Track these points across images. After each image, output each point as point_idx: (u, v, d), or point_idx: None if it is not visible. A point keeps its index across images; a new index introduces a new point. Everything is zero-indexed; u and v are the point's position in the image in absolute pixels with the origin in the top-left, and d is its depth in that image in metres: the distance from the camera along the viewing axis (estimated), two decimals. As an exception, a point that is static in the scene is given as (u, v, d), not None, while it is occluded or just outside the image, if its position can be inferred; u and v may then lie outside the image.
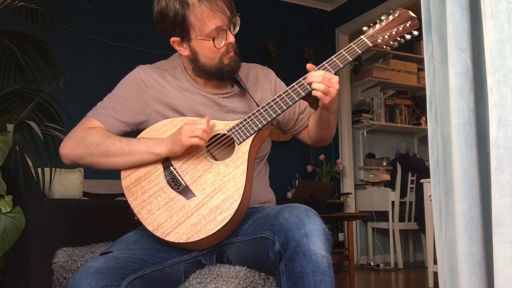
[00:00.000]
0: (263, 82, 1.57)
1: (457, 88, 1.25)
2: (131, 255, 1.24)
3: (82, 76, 3.84)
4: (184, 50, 1.43)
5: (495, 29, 1.12)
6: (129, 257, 1.22)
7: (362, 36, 1.43)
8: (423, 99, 5.37)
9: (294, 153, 4.80)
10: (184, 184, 1.32)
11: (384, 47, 1.45)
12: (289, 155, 4.68)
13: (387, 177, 4.89)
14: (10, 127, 1.63)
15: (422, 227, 4.35)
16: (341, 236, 4.68)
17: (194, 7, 1.33)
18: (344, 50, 1.39)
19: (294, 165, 4.79)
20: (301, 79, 1.38)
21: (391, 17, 1.44)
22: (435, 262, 3.39)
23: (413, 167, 4.67)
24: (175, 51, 1.57)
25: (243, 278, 1.30)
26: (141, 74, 1.47)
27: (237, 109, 1.49)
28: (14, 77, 2.54)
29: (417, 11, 1.43)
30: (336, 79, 1.34)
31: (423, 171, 4.44)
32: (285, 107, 1.36)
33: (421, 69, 5.33)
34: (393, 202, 4.67)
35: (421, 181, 3.76)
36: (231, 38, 1.40)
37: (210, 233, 1.25)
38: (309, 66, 1.38)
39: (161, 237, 1.27)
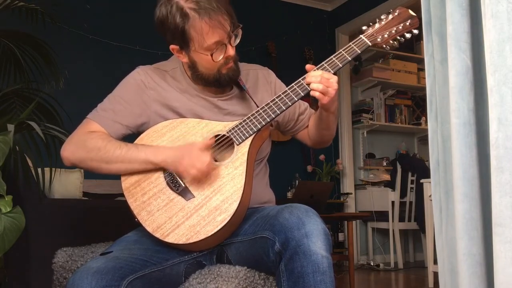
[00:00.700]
0: (263, 83, 1.57)
1: (457, 88, 1.25)
2: (131, 255, 1.24)
3: (82, 76, 3.84)
4: (183, 57, 1.43)
5: (495, 29, 1.12)
6: (129, 257, 1.22)
7: (361, 36, 1.42)
8: (423, 99, 5.37)
9: (294, 153, 4.80)
10: (183, 185, 1.32)
11: (384, 46, 1.44)
12: (289, 155, 4.68)
13: (387, 177, 4.89)
14: (10, 127, 1.63)
15: (422, 227, 4.35)
16: (341, 236, 4.68)
17: (194, 21, 1.32)
18: (343, 50, 1.39)
19: (294, 165, 4.79)
20: (300, 79, 1.38)
21: (390, 16, 1.44)
22: (435, 262, 3.39)
23: (413, 167, 4.67)
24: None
25: (243, 278, 1.30)
26: (141, 75, 1.47)
27: (236, 112, 1.49)
28: (14, 77, 2.54)
29: (417, 11, 1.43)
30: (334, 79, 1.34)
31: (423, 171, 4.44)
32: (284, 108, 1.36)
33: (421, 69, 5.33)
34: (393, 202, 4.67)
35: (421, 181, 3.75)
36: (231, 52, 1.39)
37: (210, 234, 1.25)
38: (308, 66, 1.37)
39: (160, 238, 1.27)
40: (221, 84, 1.44)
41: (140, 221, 1.30)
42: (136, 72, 1.48)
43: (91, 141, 1.36)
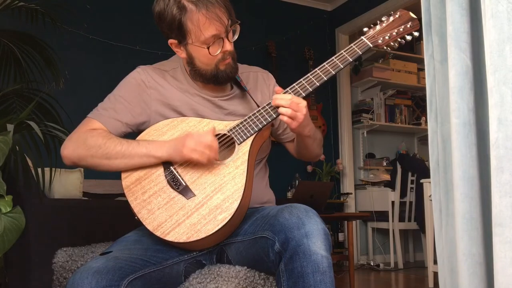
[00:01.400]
0: (262, 86, 1.58)
1: (457, 88, 1.25)
2: (131, 255, 1.24)
3: (82, 76, 3.84)
4: (181, 53, 1.43)
5: (495, 29, 1.12)
6: (129, 257, 1.22)
7: (362, 37, 1.43)
8: (423, 99, 5.37)
9: (294, 153, 4.80)
10: (184, 184, 1.32)
11: (385, 47, 1.45)
12: (289, 155, 4.66)
13: (387, 177, 4.89)
14: (10, 127, 1.63)
15: (422, 227, 4.35)
16: (341, 236, 4.68)
17: (191, 13, 1.32)
18: (344, 51, 1.39)
19: (294, 165, 4.79)
20: (301, 79, 1.37)
21: (391, 18, 1.45)
22: (435, 262, 3.39)
23: (413, 167, 4.67)
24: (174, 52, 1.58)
25: (243, 278, 1.30)
26: (141, 75, 1.47)
27: (237, 112, 1.49)
28: (14, 77, 2.54)
29: (417, 12, 1.43)
30: (303, 103, 1.33)
31: (423, 171, 4.44)
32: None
33: (421, 69, 5.33)
34: (393, 202, 4.67)
35: (421, 181, 3.76)
36: (228, 46, 1.38)
37: (210, 233, 1.25)
38: (277, 89, 1.37)
39: (161, 236, 1.27)
40: (218, 80, 1.44)
41: (141, 220, 1.30)
42: (136, 72, 1.49)
43: (91, 139, 1.36)
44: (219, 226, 1.26)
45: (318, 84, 1.37)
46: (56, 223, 1.89)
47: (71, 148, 1.37)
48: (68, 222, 1.92)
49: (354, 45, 1.41)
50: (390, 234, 4.69)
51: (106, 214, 2.05)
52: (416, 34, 1.44)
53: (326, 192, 3.47)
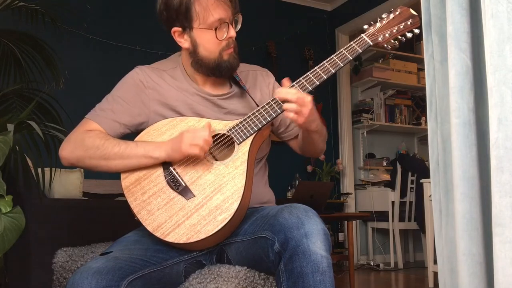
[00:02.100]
0: (262, 84, 1.57)
1: (457, 88, 1.25)
2: (131, 255, 1.24)
3: (82, 76, 3.84)
4: (184, 42, 1.43)
5: (495, 29, 1.12)
6: (129, 257, 1.22)
7: (362, 35, 1.41)
8: (423, 99, 5.37)
9: (294, 153, 4.78)
10: (183, 184, 1.32)
11: (385, 45, 1.43)
12: (289, 155, 4.65)
13: (387, 177, 4.89)
14: (10, 127, 1.63)
15: (422, 227, 4.35)
16: (341, 236, 4.68)
17: None
18: (344, 49, 1.38)
19: (294, 165, 4.79)
20: (301, 78, 1.37)
21: (392, 15, 1.43)
22: (435, 262, 3.39)
23: (413, 167, 4.67)
24: (175, 51, 1.57)
25: (243, 278, 1.30)
26: (139, 75, 1.47)
27: (237, 111, 1.48)
28: (14, 77, 2.54)
29: (417, 11, 1.43)
30: (309, 98, 1.32)
31: (423, 171, 4.44)
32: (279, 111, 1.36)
33: (421, 69, 5.33)
34: (393, 202, 4.67)
35: (421, 181, 3.75)
36: (233, 33, 1.40)
37: (210, 234, 1.25)
38: (284, 80, 1.36)
39: (161, 237, 1.27)
40: (221, 71, 1.43)
41: (140, 220, 1.30)
42: (134, 72, 1.48)
43: (89, 140, 1.36)
44: (219, 227, 1.26)
45: (318, 82, 1.37)
46: (56, 223, 1.89)
47: (69, 149, 1.37)
48: (68, 222, 1.92)
49: (354, 43, 1.39)
50: (390, 234, 4.69)
51: (106, 214, 2.05)
52: (416, 31, 1.42)
53: (326, 192, 3.47)
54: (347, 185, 5.07)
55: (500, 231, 1.10)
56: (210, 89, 1.49)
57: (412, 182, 4.66)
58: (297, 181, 4.64)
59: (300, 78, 1.38)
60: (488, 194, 1.19)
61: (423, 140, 5.52)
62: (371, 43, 1.40)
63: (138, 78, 1.46)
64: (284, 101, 1.32)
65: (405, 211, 4.66)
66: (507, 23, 1.11)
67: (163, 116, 1.44)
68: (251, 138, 1.36)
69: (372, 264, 4.73)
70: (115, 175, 1.38)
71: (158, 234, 1.27)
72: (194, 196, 1.30)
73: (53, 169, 1.99)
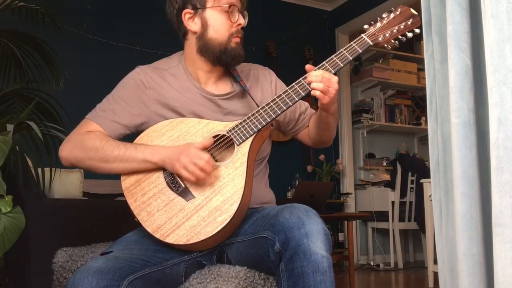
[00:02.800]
0: (264, 82, 1.57)
1: (457, 88, 1.25)
2: (132, 255, 1.24)
3: (82, 76, 3.84)
4: (193, 25, 1.45)
5: (495, 29, 1.12)
6: (129, 257, 1.22)
7: (363, 35, 1.41)
8: (423, 99, 5.37)
9: (294, 153, 4.80)
10: (183, 185, 1.32)
11: (385, 45, 1.43)
12: (289, 155, 4.68)
13: (387, 177, 4.89)
14: (10, 127, 1.63)
15: (422, 227, 4.35)
16: (341, 236, 4.68)
17: None
18: (344, 49, 1.38)
19: (294, 165, 4.79)
20: (300, 79, 1.37)
21: (392, 15, 1.42)
22: (435, 262, 3.39)
23: (413, 167, 4.67)
24: (174, 51, 1.57)
25: (243, 278, 1.30)
26: (140, 75, 1.47)
27: (237, 111, 1.48)
28: (14, 77, 2.54)
29: (417, 11, 1.42)
30: (335, 79, 1.34)
31: (423, 171, 4.44)
32: (284, 107, 1.36)
33: (421, 69, 5.33)
34: (393, 202, 4.67)
35: (421, 181, 3.75)
36: (242, 20, 1.45)
37: (210, 235, 1.25)
38: (308, 66, 1.37)
39: (161, 239, 1.27)
40: (226, 58, 1.44)
41: (140, 222, 1.30)
42: (135, 72, 1.48)
43: (89, 141, 1.36)
44: (219, 228, 1.26)
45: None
46: (56, 223, 1.89)
47: (68, 149, 1.37)
48: (68, 222, 1.92)
49: (354, 43, 1.39)
50: (390, 234, 4.69)
51: (106, 214, 2.05)
52: (417, 31, 1.41)
53: (326, 192, 3.47)
54: (347, 185, 5.07)
55: (500, 231, 1.10)
56: (212, 88, 1.49)
57: (412, 182, 4.65)
58: (297, 181, 4.64)
59: (300, 79, 1.38)
60: (488, 194, 1.19)
61: (423, 140, 5.52)
62: (371, 43, 1.39)
63: (138, 78, 1.46)
64: (311, 83, 1.34)
65: (405, 211, 4.66)
66: (507, 23, 1.11)
67: (163, 117, 1.43)
68: (250, 139, 1.36)
69: (372, 264, 4.73)
70: (115, 175, 1.38)
71: (158, 236, 1.27)
72: (194, 197, 1.30)
73: (53, 169, 1.99)
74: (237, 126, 1.37)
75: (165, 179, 1.34)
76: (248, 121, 1.36)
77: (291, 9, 5.03)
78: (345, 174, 5.09)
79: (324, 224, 1.21)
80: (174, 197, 1.31)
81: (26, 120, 1.79)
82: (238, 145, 1.35)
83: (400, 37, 1.42)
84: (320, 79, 1.32)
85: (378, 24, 1.42)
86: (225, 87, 1.51)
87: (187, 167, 1.28)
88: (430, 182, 1.60)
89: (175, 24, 1.49)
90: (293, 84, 1.38)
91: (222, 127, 1.38)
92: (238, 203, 1.27)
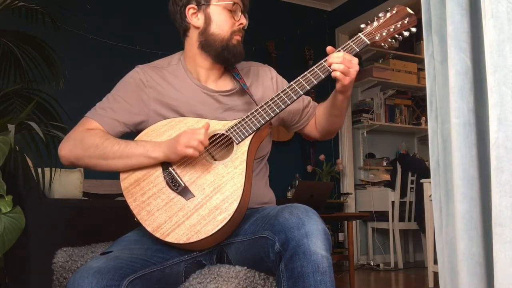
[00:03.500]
0: (264, 79, 1.57)
1: (457, 88, 1.25)
2: (132, 255, 1.24)
3: (82, 76, 3.84)
4: (197, 21, 1.46)
5: (495, 29, 1.12)
6: (129, 257, 1.22)
7: (359, 34, 1.42)
8: (423, 99, 5.37)
9: (294, 153, 4.80)
10: (183, 184, 1.32)
11: (382, 44, 1.44)
12: (289, 155, 4.68)
13: (387, 177, 4.89)
14: (11, 127, 1.63)
15: (422, 227, 4.35)
16: (341, 236, 4.68)
17: None
18: (342, 48, 1.39)
19: (294, 165, 4.79)
20: (322, 61, 1.37)
21: (388, 14, 1.44)
22: (435, 262, 3.39)
23: (413, 167, 4.67)
24: (174, 51, 1.58)
25: (243, 278, 1.30)
26: (139, 74, 1.47)
27: (237, 107, 1.48)
28: (14, 77, 2.54)
29: (417, 11, 1.43)
30: (356, 60, 1.35)
31: (423, 171, 4.44)
32: (283, 106, 1.36)
33: (421, 69, 5.33)
34: (393, 202, 4.67)
35: (421, 181, 3.75)
36: (244, 20, 1.47)
37: (210, 234, 1.25)
38: (329, 48, 1.38)
39: (161, 238, 1.27)
40: (225, 55, 1.45)
41: (140, 221, 1.30)
42: (134, 71, 1.49)
43: (88, 139, 1.36)
44: (219, 227, 1.26)
45: (316, 82, 1.37)
46: (56, 223, 1.89)
47: (68, 148, 1.37)
48: (68, 222, 1.92)
49: (351, 42, 1.40)
50: (390, 234, 4.69)
51: (106, 214, 2.05)
52: (413, 29, 1.43)
53: (326, 192, 3.47)
54: (347, 185, 5.07)
55: (500, 231, 1.10)
56: (213, 85, 1.49)
57: (412, 182, 4.65)
58: (297, 181, 4.64)
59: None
60: (488, 194, 1.18)
61: (423, 140, 5.52)
62: (368, 42, 1.41)
63: (138, 77, 1.46)
64: (332, 64, 1.34)
65: (405, 211, 4.66)
66: (507, 23, 1.11)
67: (162, 116, 1.44)
68: (249, 137, 1.36)
69: (372, 264, 4.73)
70: (115, 175, 1.38)
71: (158, 235, 1.27)
72: (193, 196, 1.30)
73: (53, 169, 1.99)
74: (235, 125, 1.37)
75: (165, 178, 1.34)
76: (246, 119, 1.37)
77: (291, 9, 5.03)
78: (345, 174, 5.09)
79: (324, 224, 1.21)
80: (173, 196, 1.31)
81: (26, 120, 1.79)
82: (237, 144, 1.36)
83: (397, 35, 1.43)
84: (341, 60, 1.33)
85: (375, 23, 1.43)
86: (225, 84, 1.52)
87: (189, 143, 1.28)
88: (430, 182, 1.60)
89: (177, 20, 1.49)
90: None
91: (221, 126, 1.39)
92: (238, 201, 1.27)
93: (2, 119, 1.88)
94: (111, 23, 4.14)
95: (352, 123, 5.19)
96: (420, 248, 4.97)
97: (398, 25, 1.42)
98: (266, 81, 1.57)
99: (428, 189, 3.52)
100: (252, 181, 1.36)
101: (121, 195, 1.37)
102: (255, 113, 1.37)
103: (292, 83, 1.38)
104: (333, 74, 1.35)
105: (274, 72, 1.61)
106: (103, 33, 4.06)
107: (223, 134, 1.38)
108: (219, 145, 1.38)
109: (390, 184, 4.75)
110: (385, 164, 5.16)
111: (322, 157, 4.83)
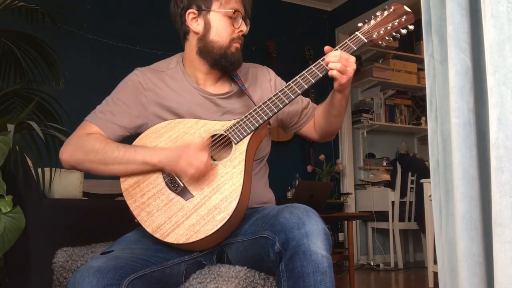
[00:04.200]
0: (263, 80, 1.57)
1: (457, 88, 1.25)
2: (132, 255, 1.24)
3: (82, 76, 3.84)
4: (196, 26, 1.45)
5: (495, 29, 1.12)
6: (130, 257, 1.22)
7: (357, 32, 1.42)
8: (423, 99, 5.37)
9: (294, 153, 4.80)
10: (182, 185, 1.32)
11: (380, 42, 1.44)
12: (289, 155, 4.68)
13: (387, 177, 4.89)
14: (10, 127, 1.63)
15: (422, 227, 4.35)
16: (341, 236, 4.68)
17: None
18: (339, 47, 1.39)
19: (294, 165, 4.79)
20: (319, 60, 1.38)
21: (386, 13, 1.44)
22: (435, 262, 3.39)
23: (413, 167, 4.67)
24: (174, 51, 1.58)
25: (243, 278, 1.30)
26: (139, 77, 1.47)
27: (235, 110, 1.49)
28: (14, 77, 2.54)
29: (417, 12, 1.43)
30: (353, 59, 1.35)
31: (423, 171, 4.44)
32: (281, 106, 1.36)
33: (421, 69, 5.33)
34: (393, 202, 4.67)
35: (421, 181, 3.75)
36: (245, 27, 1.47)
37: (209, 233, 1.25)
38: (327, 48, 1.38)
39: (160, 238, 1.27)
40: (224, 62, 1.45)
41: (140, 222, 1.30)
42: (134, 74, 1.49)
43: (89, 143, 1.36)
44: (218, 226, 1.26)
45: (313, 81, 1.37)
46: (56, 223, 1.89)
47: (69, 152, 1.38)
48: (68, 222, 1.92)
49: (348, 40, 1.41)
50: (390, 234, 4.69)
51: (106, 214, 2.05)
52: (411, 27, 1.43)
53: (326, 192, 3.47)
54: (347, 185, 5.07)
55: (500, 231, 1.10)
56: (211, 88, 1.49)
57: (412, 182, 4.66)
58: (297, 181, 4.64)
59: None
60: (488, 194, 1.18)
61: (423, 140, 5.52)
62: (366, 40, 1.41)
63: (137, 80, 1.46)
64: (329, 63, 1.35)
65: (405, 211, 4.66)
66: (507, 23, 1.11)
67: (162, 118, 1.44)
68: (248, 137, 1.36)
69: (372, 264, 4.73)
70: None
71: (157, 235, 1.27)
72: (192, 196, 1.30)
73: (53, 169, 1.99)
74: (234, 125, 1.37)
75: (164, 179, 1.34)
76: (245, 119, 1.37)
77: (291, 9, 5.03)
78: (345, 174, 5.09)
79: (324, 224, 1.21)
80: (173, 196, 1.31)
81: (27, 120, 1.79)
82: (235, 144, 1.36)
83: (394, 33, 1.43)
84: (338, 59, 1.33)
85: (372, 22, 1.43)
86: (223, 87, 1.52)
87: (187, 171, 1.29)
88: (430, 182, 1.60)
89: (177, 23, 1.49)
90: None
91: (219, 126, 1.39)
92: (237, 201, 1.27)
93: (2, 119, 1.88)
94: (111, 23, 4.14)
95: (352, 123, 5.19)
96: (420, 248, 4.97)
97: (396, 23, 1.42)
98: (264, 83, 1.57)
99: (428, 189, 3.52)
100: (252, 181, 1.37)
101: (121, 195, 1.37)
102: (253, 113, 1.37)
103: (290, 82, 1.38)
104: (330, 73, 1.35)
105: (272, 74, 1.61)
106: (103, 33, 4.06)
107: (221, 135, 1.38)
108: (218, 145, 1.39)
109: (390, 184, 4.75)
110: (385, 164, 5.16)
111: (322, 157, 4.83)
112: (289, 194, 4.65)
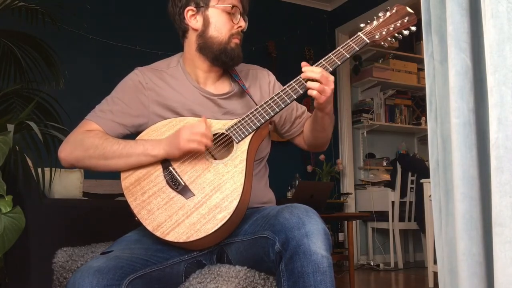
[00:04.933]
0: (262, 82, 1.58)
1: (457, 88, 1.25)
2: (132, 255, 1.24)
3: (82, 76, 3.84)
4: (195, 23, 1.46)
5: (495, 29, 1.12)
6: (130, 257, 1.22)
7: (359, 33, 1.43)
8: (423, 99, 5.37)
9: (294, 153, 4.80)
10: (183, 183, 1.32)
11: (382, 43, 1.44)
12: (289, 155, 4.68)
13: (387, 177, 4.89)
14: (10, 127, 1.63)
15: (422, 227, 4.35)
16: (341, 236, 4.68)
17: None
18: (341, 47, 1.39)
19: (294, 165, 4.79)
20: (298, 76, 1.38)
21: (388, 13, 1.45)
22: (435, 262, 3.39)
23: (413, 167, 4.67)
24: (174, 51, 1.58)
25: (243, 278, 1.30)
26: (139, 76, 1.47)
27: (236, 111, 1.49)
28: (14, 77, 2.54)
29: (417, 12, 1.43)
30: (332, 78, 1.35)
31: (423, 171, 4.44)
32: (283, 105, 1.36)
33: (421, 69, 5.34)
34: (393, 202, 4.67)
35: (421, 181, 3.76)
36: (243, 23, 1.46)
37: (210, 232, 1.25)
38: (304, 64, 1.37)
39: (160, 237, 1.27)
40: (223, 58, 1.45)
41: (140, 220, 1.30)
42: (134, 74, 1.49)
43: (88, 140, 1.36)
44: (219, 225, 1.26)
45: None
46: (56, 223, 1.89)
47: (68, 150, 1.37)
48: (68, 222, 1.92)
49: (351, 41, 1.41)
50: (390, 234, 4.69)
51: (106, 214, 2.05)
52: (413, 28, 1.44)
53: (326, 192, 3.47)
54: (347, 185, 5.07)
55: (500, 231, 1.10)
56: (211, 88, 1.50)
57: (412, 182, 4.66)
58: (297, 181, 4.64)
59: (298, 77, 1.38)
60: (488, 194, 1.18)
61: (423, 140, 5.52)
62: (368, 41, 1.41)
63: (137, 79, 1.46)
64: (308, 80, 1.34)
65: (405, 211, 4.66)
66: (507, 23, 1.11)
67: (162, 117, 1.44)
68: (249, 137, 1.36)
69: (372, 264, 4.73)
70: (115, 175, 1.38)
71: (158, 234, 1.27)
72: (193, 195, 1.30)
73: (53, 169, 1.99)
74: (235, 124, 1.37)
75: (165, 178, 1.34)
76: (246, 119, 1.37)
77: (291, 9, 5.03)
78: (345, 174, 5.09)
79: (324, 224, 1.21)
80: (174, 195, 1.31)
81: (26, 120, 1.79)
82: (237, 143, 1.36)
83: (396, 34, 1.43)
84: (320, 76, 1.32)
85: (375, 23, 1.44)
86: (224, 86, 1.52)
87: (192, 138, 1.29)
88: (430, 182, 1.60)
89: (176, 22, 1.49)
90: (291, 82, 1.38)
91: (221, 125, 1.39)
92: (238, 200, 1.27)
93: (2, 119, 1.88)
94: (111, 23, 4.14)
95: (352, 123, 5.19)
96: (420, 248, 4.97)
97: (398, 24, 1.43)
98: (264, 85, 1.57)
99: (428, 189, 3.52)
100: (253, 181, 1.37)
101: (121, 195, 1.37)
102: (255, 112, 1.37)
103: (292, 82, 1.39)
104: (309, 92, 1.35)
105: (272, 77, 1.61)
106: (103, 33, 4.06)
107: (223, 134, 1.38)
108: (219, 144, 1.39)
109: (390, 184, 4.75)
110: (385, 164, 5.16)
111: (322, 157, 4.83)
112: (289, 194, 4.65)
